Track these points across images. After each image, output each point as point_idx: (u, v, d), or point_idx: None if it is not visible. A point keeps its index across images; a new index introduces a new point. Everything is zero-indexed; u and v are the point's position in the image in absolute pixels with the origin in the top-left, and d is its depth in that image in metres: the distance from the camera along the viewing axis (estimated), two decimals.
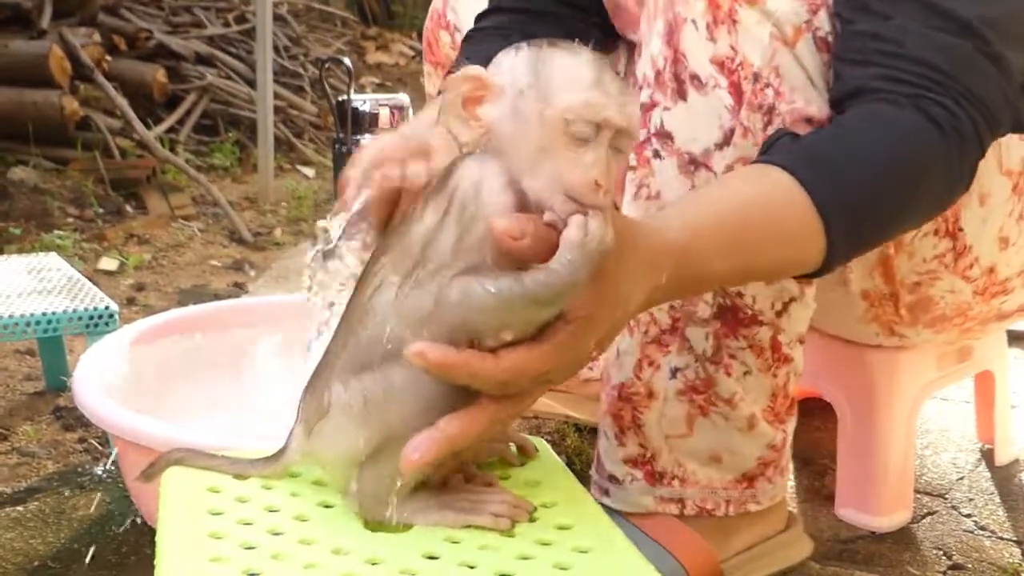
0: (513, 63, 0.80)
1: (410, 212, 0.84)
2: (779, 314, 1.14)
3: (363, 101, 2.50)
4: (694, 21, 1.07)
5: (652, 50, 1.11)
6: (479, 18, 1.43)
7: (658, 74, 1.10)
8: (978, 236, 1.21)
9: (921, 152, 1.00)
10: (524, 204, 0.79)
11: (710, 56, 1.07)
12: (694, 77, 1.08)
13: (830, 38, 1.06)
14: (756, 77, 1.06)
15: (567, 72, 0.78)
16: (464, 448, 0.84)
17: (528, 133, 0.78)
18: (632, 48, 1.51)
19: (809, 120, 1.06)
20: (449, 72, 1.35)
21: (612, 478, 1.21)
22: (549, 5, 1.38)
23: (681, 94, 1.09)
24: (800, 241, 0.97)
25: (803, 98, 1.07)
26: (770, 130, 1.06)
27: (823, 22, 1.06)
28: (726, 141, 1.08)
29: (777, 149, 1.00)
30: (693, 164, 1.09)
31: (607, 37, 1.47)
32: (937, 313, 1.29)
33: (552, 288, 0.76)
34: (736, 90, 1.07)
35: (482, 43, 1.32)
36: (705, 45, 1.07)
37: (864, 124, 1.00)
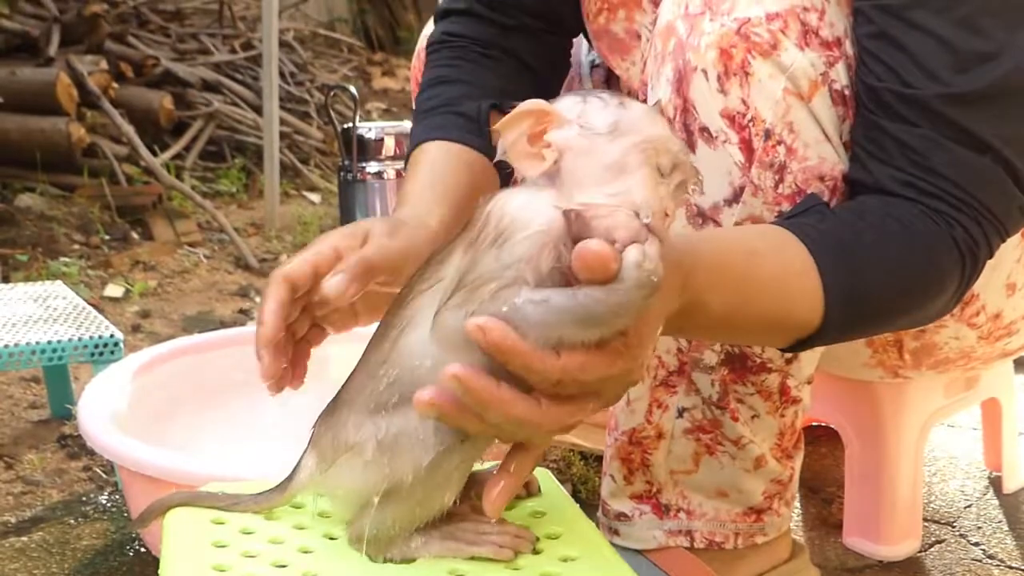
0: (586, 105, 0.79)
1: (437, 257, 0.83)
2: (789, 361, 1.14)
3: (369, 128, 2.52)
4: (704, 71, 1.04)
5: (660, 96, 1.08)
6: (452, 13, 1.38)
7: (668, 122, 1.08)
8: (985, 285, 1.20)
9: (941, 274, 1.01)
10: (569, 226, 0.77)
11: (720, 109, 1.04)
12: (703, 130, 1.05)
13: (847, 91, 1.04)
14: (768, 134, 1.03)
15: (649, 116, 0.79)
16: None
17: (603, 155, 0.77)
18: (611, 76, 1.52)
19: (822, 177, 1.05)
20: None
21: (620, 516, 1.21)
22: (521, 18, 1.35)
23: (691, 146, 1.06)
24: (796, 310, 0.97)
25: (817, 154, 1.04)
26: (782, 188, 1.04)
27: (840, 75, 1.04)
28: (735, 198, 1.06)
29: (803, 221, 1.00)
30: (701, 217, 1.08)
31: (568, 59, 1.46)
32: (940, 357, 1.28)
33: (608, 306, 0.74)
34: (747, 147, 1.04)
35: (462, 60, 1.32)
36: (716, 97, 1.04)
37: (894, 229, 0.99)
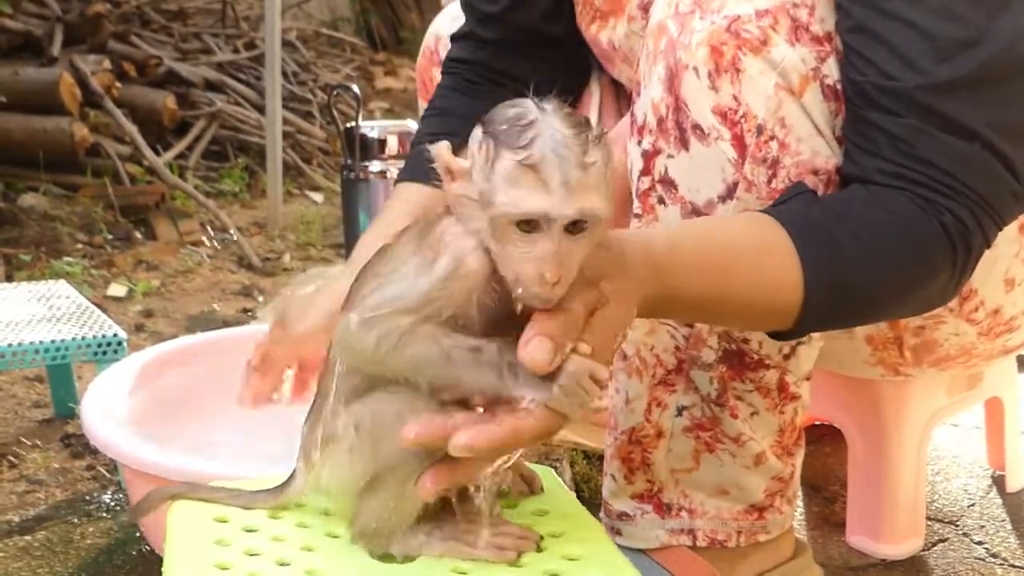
0: (476, 157, 0.78)
1: (396, 245, 0.85)
2: (787, 357, 1.14)
3: (371, 127, 2.52)
4: (696, 68, 1.04)
5: (653, 94, 1.09)
6: (456, 38, 1.50)
7: (660, 121, 1.08)
8: (984, 280, 1.19)
9: (927, 262, 1.00)
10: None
11: (712, 106, 1.04)
12: (696, 127, 1.05)
13: (839, 86, 1.04)
14: (760, 129, 1.03)
15: (509, 178, 0.76)
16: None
17: (481, 222, 0.78)
18: (615, 84, 1.53)
19: (816, 171, 1.05)
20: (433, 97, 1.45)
21: (622, 516, 1.21)
22: (524, 37, 1.43)
23: (683, 143, 1.06)
24: (775, 298, 0.97)
25: (810, 148, 1.04)
26: (775, 183, 1.05)
27: (831, 69, 1.03)
28: (729, 194, 1.06)
29: (789, 208, 1.00)
30: (696, 214, 1.08)
31: (581, 72, 1.50)
32: (941, 354, 1.28)
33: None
34: (739, 143, 1.04)
35: (458, 90, 1.47)
36: (707, 94, 1.04)
37: (879, 217, 0.99)
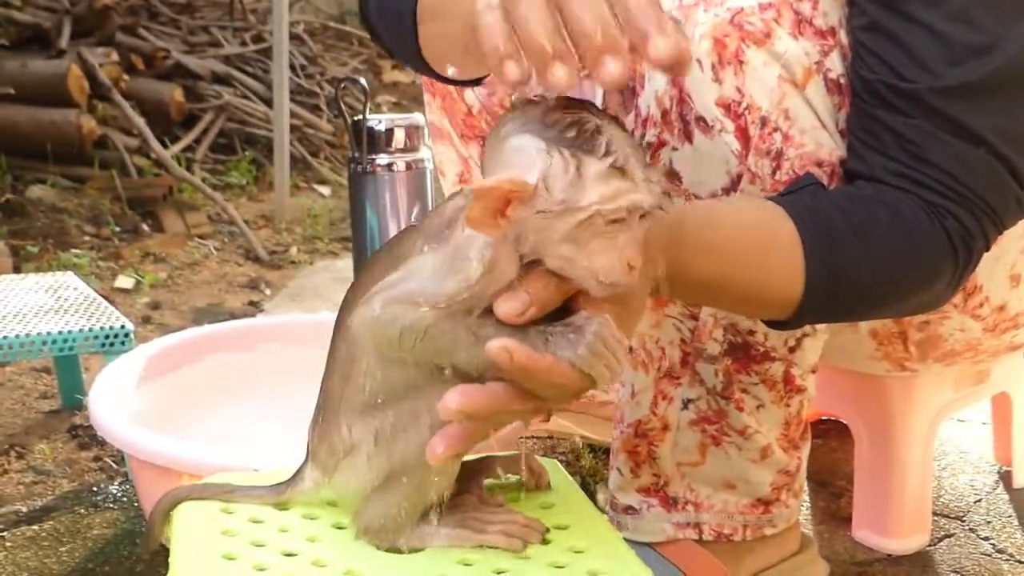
0: (554, 168, 0.75)
1: (407, 239, 0.84)
2: (792, 350, 1.14)
3: (379, 120, 2.52)
4: (699, 61, 1.04)
5: (657, 87, 1.09)
6: None
7: (664, 113, 1.08)
8: (988, 275, 1.20)
9: (929, 264, 1.00)
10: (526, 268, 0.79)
11: (716, 98, 1.04)
12: (700, 119, 1.05)
13: (842, 80, 1.04)
14: (764, 121, 1.03)
15: (601, 177, 0.75)
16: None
17: (556, 231, 0.76)
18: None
19: (819, 163, 1.05)
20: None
21: (628, 509, 1.21)
22: None
23: (687, 135, 1.06)
24: (777, 286, 0.97)
25: (813, 141, 1.04)
26: (779, 175, 1.05)
27: (835, 63, 1.04)
28: (733, 186, 1.06)
29: (797, 199, 1.00)
30: None
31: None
32: (946, 349, 1.28)
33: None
34: (743, 135, 1.04)
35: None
36: (711, 86, 1.04)
37: (883, 216, 0.99)
